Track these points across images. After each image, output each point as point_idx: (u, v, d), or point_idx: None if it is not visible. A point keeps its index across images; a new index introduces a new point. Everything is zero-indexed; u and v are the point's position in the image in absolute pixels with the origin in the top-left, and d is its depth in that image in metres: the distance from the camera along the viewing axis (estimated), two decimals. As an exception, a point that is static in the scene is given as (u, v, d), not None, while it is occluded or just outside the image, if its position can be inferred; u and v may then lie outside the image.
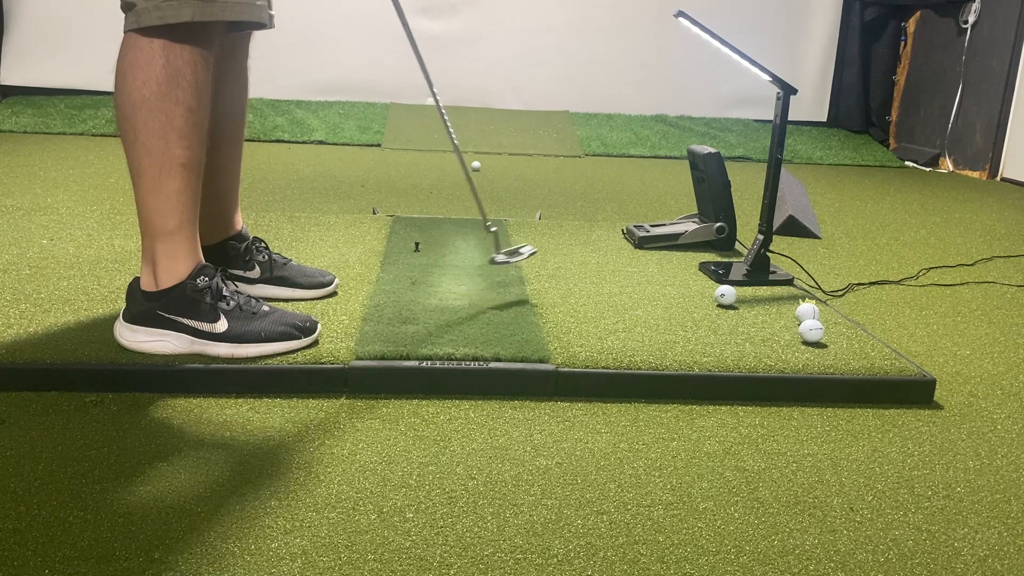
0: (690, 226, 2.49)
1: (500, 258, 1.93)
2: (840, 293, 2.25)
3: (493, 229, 1.94)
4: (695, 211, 2.64)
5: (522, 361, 1.55)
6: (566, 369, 1.55)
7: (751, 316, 1.88)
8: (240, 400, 1.45)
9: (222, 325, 1.52)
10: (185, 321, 1.50)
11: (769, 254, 2.17)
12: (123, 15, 1.43)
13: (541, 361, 1.56)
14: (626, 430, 1.42)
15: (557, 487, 1.23)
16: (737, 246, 2.51)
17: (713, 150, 2.45)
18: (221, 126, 1.67)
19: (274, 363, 1.50)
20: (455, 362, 1.54)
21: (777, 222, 2.85)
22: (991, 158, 4.59)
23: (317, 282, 1.85)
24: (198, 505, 1.14)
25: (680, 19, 2.06)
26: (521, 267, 2.16)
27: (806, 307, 1.82)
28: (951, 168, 4.86)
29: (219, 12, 1.43)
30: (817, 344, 1.72)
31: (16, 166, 3.38)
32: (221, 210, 1.77)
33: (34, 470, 1.20)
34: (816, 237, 2.90)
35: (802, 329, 1.73)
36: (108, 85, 1.47)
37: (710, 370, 1.58)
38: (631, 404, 1.52)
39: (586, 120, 5.14)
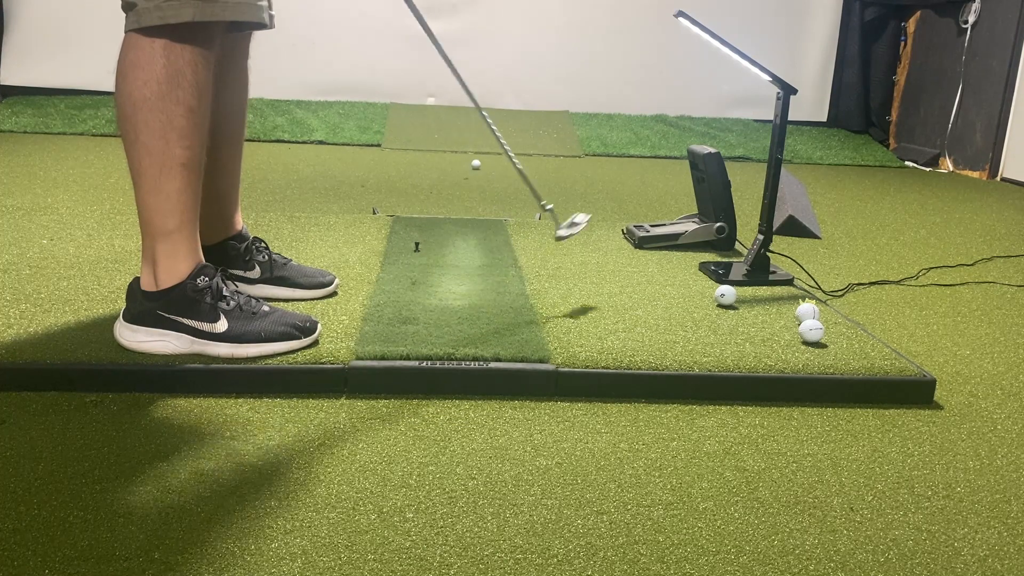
0: (690, 226, 2.49)
1: (563, 232, 1.94)
2: (840, 293, 2.25)
3: (549, 207, 1.98)
4: (695, 211, 2.64)
5: (522, 361, 1.55)
6: (566, 369, 1.55)
7: (751, 316, 1.88)
8: (240, 400, 1.45)
9: (222, 325, 1.52)
10: (185, 321, 1.50)
11: (769, 254, 2.17)
12: (124, 15, 1.43)
13: (541, 361, 1.56)
14: (626, 430, 1.42)
15: (557, 487, 1.23)
16: (737, 246, 2.51)
17: (713, 150, 2.45)
18: (221, 126, 1.67)
19: (274, 363, 1.50)
20: (455, 362, 1.54)
21: (777, 222, 2.85)
22: (991, 158, 4.59)
23: (317, 282, 1.85)
24: (198, 505, 1.14)
25: (680, 19, 2.06)
26: (521, 267, 2.16)
27: (806, 307, 1.83)
28: (951, 168, 4.86)
29: (220, 12, 1.43)
30: (817, 344, 1.72)
31: (16, 166, 3.38)
32: (221, 210, 1.77)
33: (34, 470, 1.20)
34: (816, 237, 2.90)
35: (802, 329, 1.73)
36: (108, 85, 1.47)
37: (710, 370, 1.58)
38: (631, 404, 1.52)
39: (586, 120, 5.14)
